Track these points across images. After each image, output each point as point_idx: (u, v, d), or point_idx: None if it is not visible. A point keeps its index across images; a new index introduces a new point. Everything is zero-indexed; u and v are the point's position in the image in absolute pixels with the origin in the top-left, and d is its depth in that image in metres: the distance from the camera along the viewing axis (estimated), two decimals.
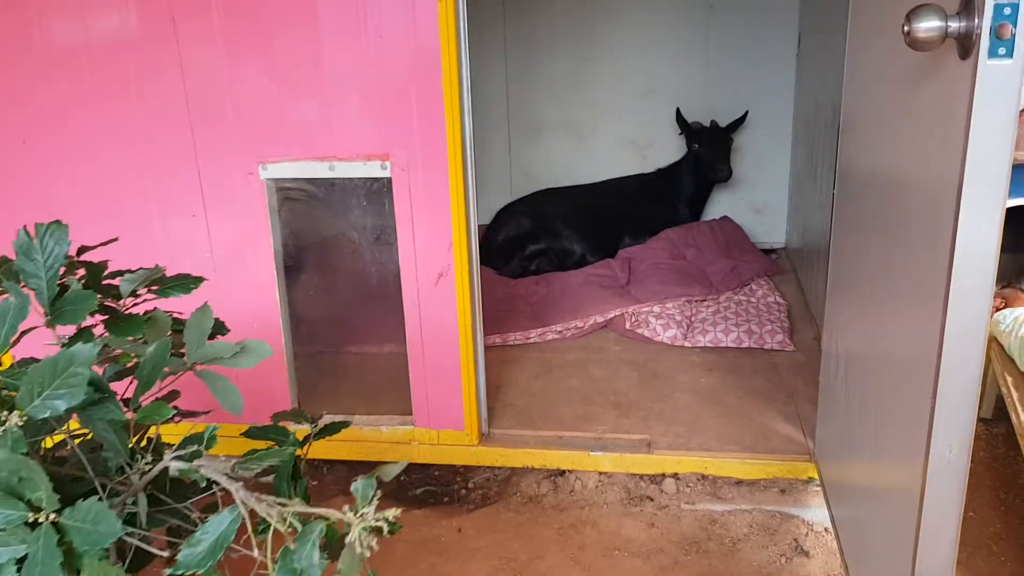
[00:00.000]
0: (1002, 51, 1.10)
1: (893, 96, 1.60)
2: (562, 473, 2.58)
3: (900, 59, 1.50)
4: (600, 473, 2.56)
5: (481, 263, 4.07)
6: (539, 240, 3.90)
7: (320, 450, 2.26)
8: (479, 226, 2.52)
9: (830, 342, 2.23)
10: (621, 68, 4.18)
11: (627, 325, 3.32)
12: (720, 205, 4.26)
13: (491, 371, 3.04)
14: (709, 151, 3.86)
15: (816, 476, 2.39)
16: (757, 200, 4.26)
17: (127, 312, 1.17)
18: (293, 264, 2.58)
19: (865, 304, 1.87)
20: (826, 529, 2.26)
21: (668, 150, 4.20)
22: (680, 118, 3.95)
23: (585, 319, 3.32)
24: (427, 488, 2.60)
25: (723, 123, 3.94)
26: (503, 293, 3.60)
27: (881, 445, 1.68)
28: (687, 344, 3.19)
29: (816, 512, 2.34)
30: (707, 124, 3.97)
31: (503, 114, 4.32)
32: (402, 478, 2.70)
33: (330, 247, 2.65)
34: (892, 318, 1.62)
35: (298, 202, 2.55)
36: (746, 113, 3.92)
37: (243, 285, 2.49)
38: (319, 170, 2.38)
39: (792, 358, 3.08)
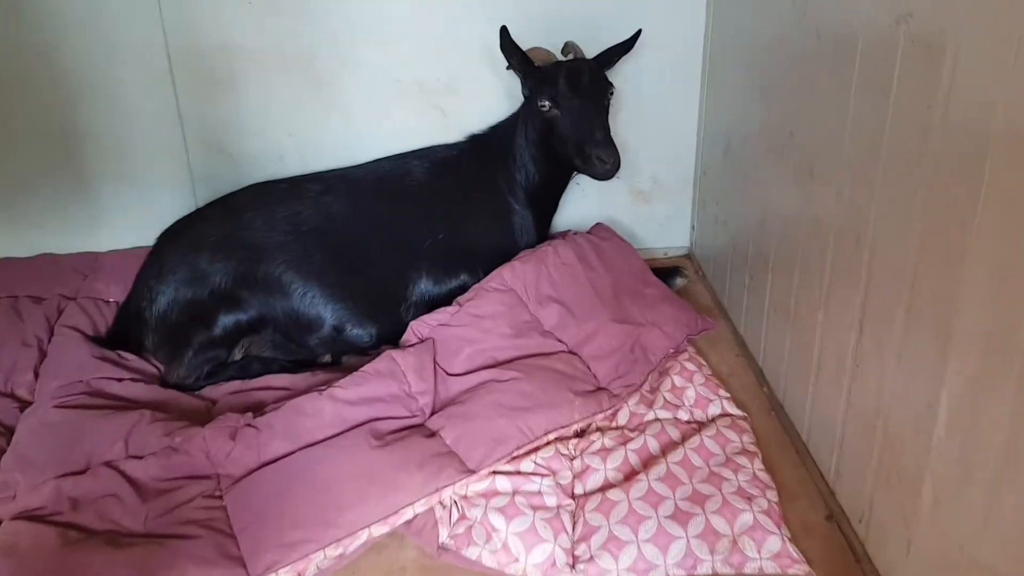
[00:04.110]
0: None
1: None
2: None
3: None
4: None
5: (132, 351, 2.01)
6: (240, 304, 1.88)
7: None
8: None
9: None
10: None
11: (442, 538, 1.47)
12: (579, 193, 2.44)
13: None
14: (574, 118, 1.94)
15: None
16: (640, 179, 2.48)
17: None
18: None
19: None
20: None
21: (486, 99, 2.28)
22: (509, 43, 1.99)
23: (348, 537, 1.42)
24: None
25: (590, 51, 2.06)
26: (154, 470, 1.57)
27: None
28: None
29: None
30: (560, 52, 2.07)
31: (159, 45, 2.16)
32: None
33: None
34: None
35: None
36: (638, 33, 2.06)
37: None
38: None
39: None
